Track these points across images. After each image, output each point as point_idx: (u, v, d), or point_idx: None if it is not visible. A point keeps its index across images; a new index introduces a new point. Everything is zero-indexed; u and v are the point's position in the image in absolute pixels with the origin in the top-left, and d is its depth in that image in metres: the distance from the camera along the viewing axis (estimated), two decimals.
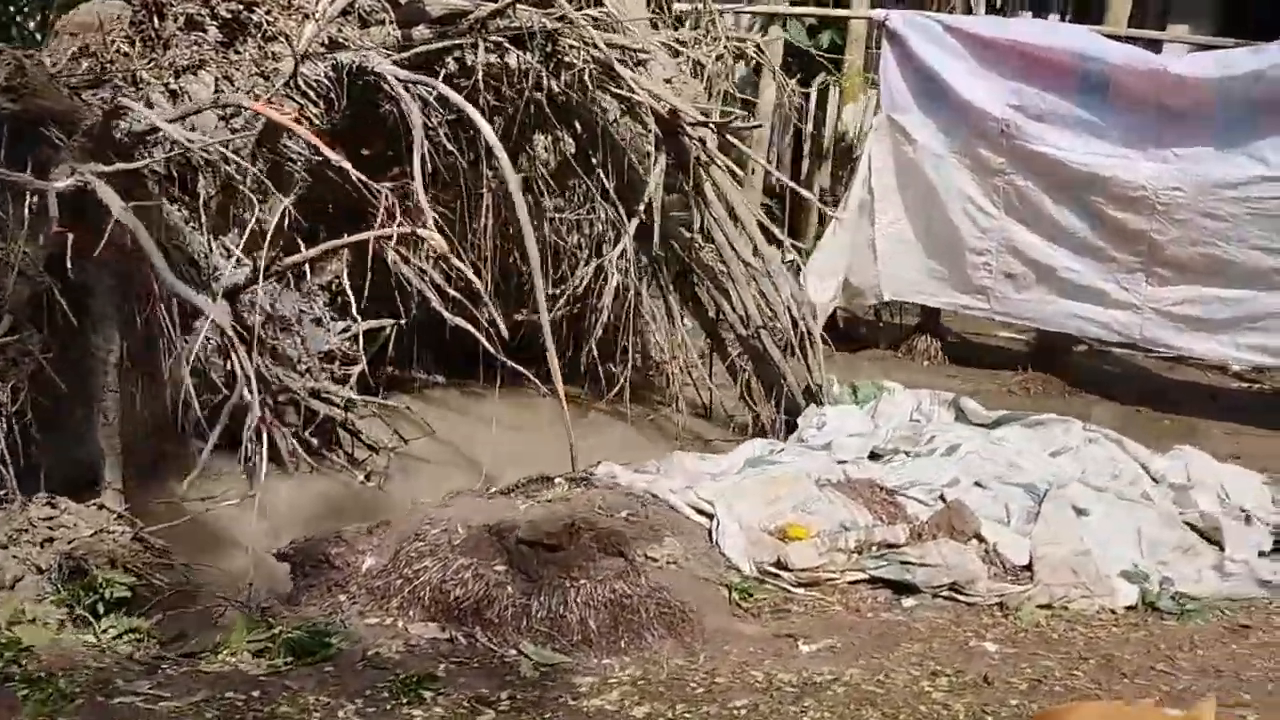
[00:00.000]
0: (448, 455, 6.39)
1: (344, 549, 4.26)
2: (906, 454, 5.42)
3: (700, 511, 4.59)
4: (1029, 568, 4.53)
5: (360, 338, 6.56)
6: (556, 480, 4.69)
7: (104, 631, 3.99)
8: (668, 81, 6.15)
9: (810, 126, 9.93)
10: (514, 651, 3.82)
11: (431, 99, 5.33)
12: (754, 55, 7.16)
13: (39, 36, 7.85)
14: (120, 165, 4.30)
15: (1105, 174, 7.81)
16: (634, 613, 3.90)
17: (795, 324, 6.14)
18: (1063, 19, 12.43)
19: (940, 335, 9.40)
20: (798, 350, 6.14)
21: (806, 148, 10.25)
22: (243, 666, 3.78)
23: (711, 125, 5.77)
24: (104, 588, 4.14)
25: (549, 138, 6.82)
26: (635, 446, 6.75)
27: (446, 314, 6.29)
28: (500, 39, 5.70)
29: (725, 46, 6.62)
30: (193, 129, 5.28)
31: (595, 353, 6.88)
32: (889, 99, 8.46)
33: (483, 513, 4.31)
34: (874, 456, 5.51)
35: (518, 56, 5.77)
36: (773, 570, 4.37)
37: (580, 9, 5.93)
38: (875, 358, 9.33)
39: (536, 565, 3.99)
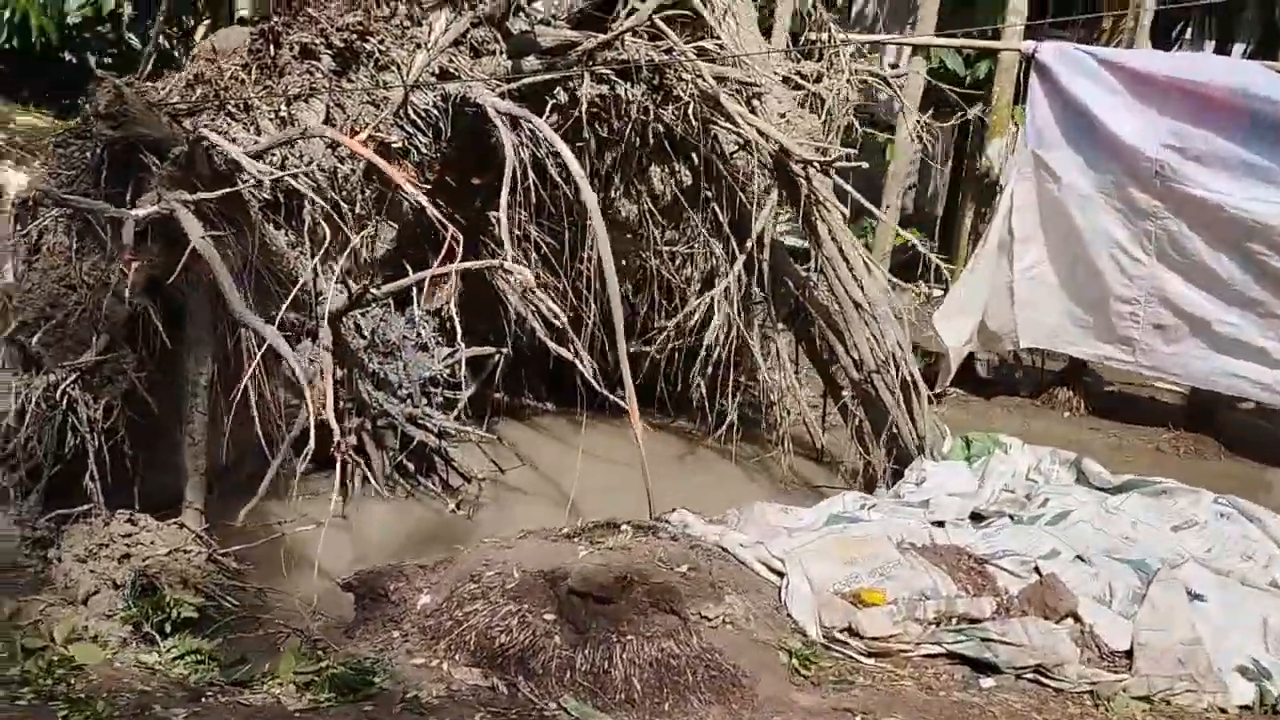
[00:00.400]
0: (544, 487, 6.34)
1: (403, 584, 4.22)
2: (1011, 518, 5.07)
3: (771, 569, 4.37)
4: (1129, 654, 4.15)
5: (463, 364, 6.59)
6: (623, 526, 4.54)
7: (166, 651, 4.05)
8: (782, 116, 5.96)
9: (957, 161, 9.56)
10: (554, 705, 3.70)
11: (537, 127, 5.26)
12: (878, 86, 6.88)
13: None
14: (202, 195, 4.37)
15: (1271, 221, 7.25)
16: (681, 674, 3.73)
17: (898, 370, 5.85)
18: (1246, 53, 11.72)
19: (1085, 385, 8.90)
20: (900, 398, 5.84)
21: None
22: (285, 700, 3.76)
23: (815, 162, 5.54)
24: (172, 607, 4.21)
25: (665, 170, 6.71)
26: (738, 487, 6.60)
27: (550, 344, 6.28)
28: (607, 71, 5.61)
29: (849, 80, 6.38)
30: (300, 156, 5.39)
31: (703, 388, 6.76)
32: (1035, 134, 8.05)
33: (541, 556, 4.20)
34: (976, 518, 5.18)
35: (625, 89, 5.67)
36: (841, 637, 4.12)
37: (692, 41, 5.81)
38: (1012, 405, 8.90)
39: (585, 617, 3.87)
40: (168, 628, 4.16)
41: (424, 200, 4.79)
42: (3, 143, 6.32)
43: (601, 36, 5.52)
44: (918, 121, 7.62)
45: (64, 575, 4.24)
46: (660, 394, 7.08)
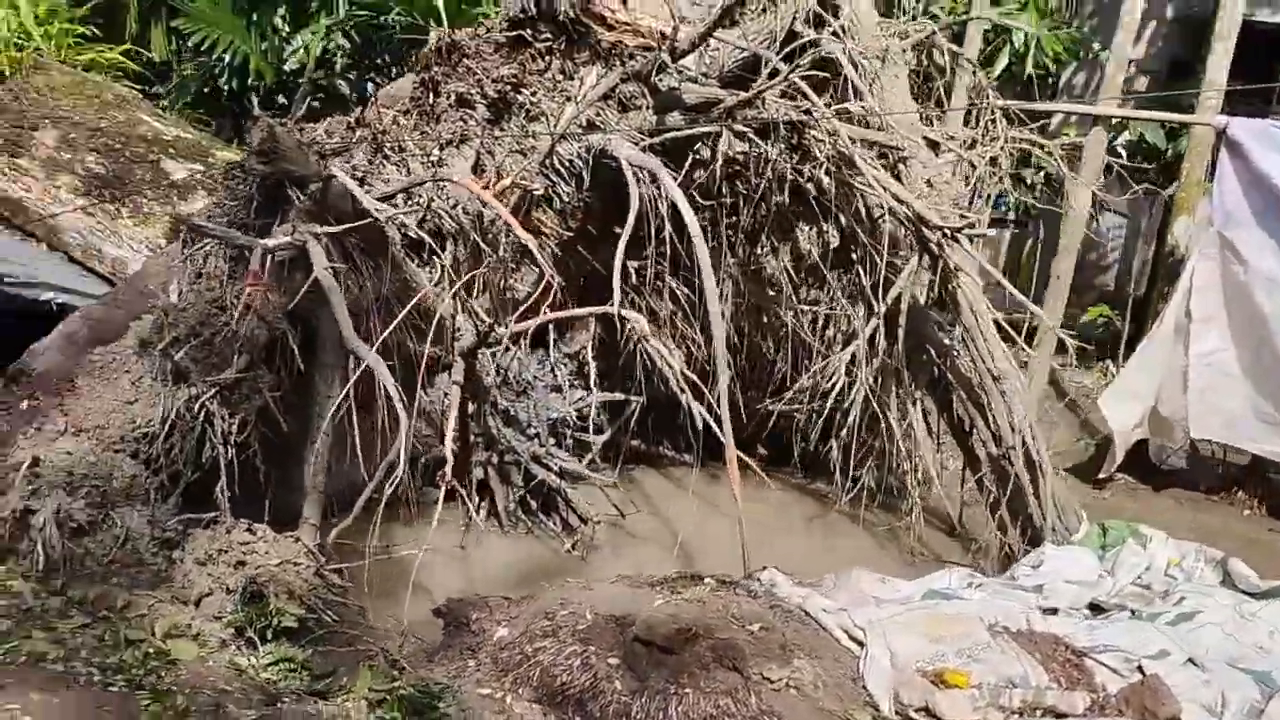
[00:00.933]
0: (662, 536, 6.37)
1: (485, 615, 4.34)
2: (1133, 612, 4.80)
3: (852, 638, 4.28)
4: None
5: (595, 409, 6.74)
6: (706, 579, 4.54)
7: (263, 656, 4.27)
8: (927, 182, 5.88)
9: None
10: None
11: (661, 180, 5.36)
12: (1040, 156, 6.67)
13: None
14: (329, 229, 4.64)
15: None
16: None
17: (1024, 448, 5.63)
18: None
19: (1269, 483, 8.29)
20: (1028, 477, 5.62)
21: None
22: (354, 714, 3.91)
23: (945, 229, 5.43)
24: (275, 615, 4.44)
25: (813, 229, 6.70)
26: (864, 554, 6.46)
27: (682, 395, 6.34)
28: (745, 128, 5.67)
29: (1003, 147, 6.23)
30: (446, 199, 5.67)
31: (837, 452, 6.69)
32: (1221, 213, 7.62)
33: (618, 601, 4.25)
34: (1095, 609, 4.92)
35: (765, 147, 5.72)
36: (916, 717, 3.98)
37: (834, 103, 5.81)
38: (1184, 498, 8.36)
39: (647, 665, 3.88)
40: (269, 634, 4.39)
41: (532, 243, 4.94)
42: (201, 174, 6.83)
43: (742, 95, 5.57)
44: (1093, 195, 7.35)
45: (183, 576, 4.53)
46: (798, 454, 7.07)
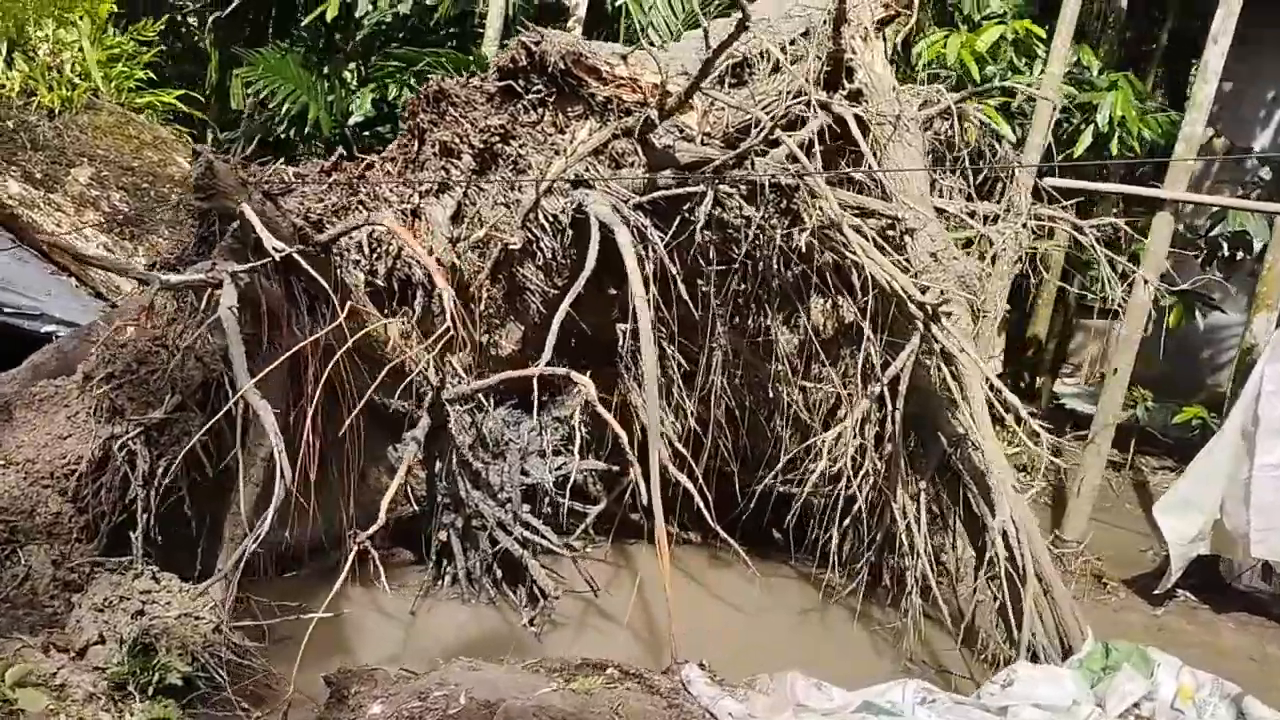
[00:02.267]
0: (638, 619, 5.95)
1: (366, 689, 4.02)
2: None
3: None
4: None
5: (587, 477, 6.43)
6: (609, 669, 4.13)
7: (135, 715, 4.04)
8: (933, 255, 5.43)
9: None
10: None
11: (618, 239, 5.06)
12: (1070, 234, 6.13)
13: None
14: (244, 266, 4.43)
15: None
16: None
17: (1009, 551, 5.08)
18: None
19: None
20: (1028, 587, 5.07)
21: None
22: None
23: (927, 305, 4.97)
24: (161, 671, 4.21)
25: (828, 302, 6.30)
26: (853, 656, 5.96)
27: (672, 468, 6.00)
28: (731, 190, 5.33)
29: (1026, 224, 5.75)
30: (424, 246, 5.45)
31: (836, 540, 6.23)
32: None
33: (501, 686, 3.87)
34: None
35: (752, 209, 5.37)
36: None
37: (838, 166, 5.45)
38: (1251, 624, 7.54)
39: None
40: (149, 691, 4.15)
41: (448, 289, 4.66)
42: None
43: (728, 154, 5.25)
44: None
45: (75, 621, 4.33)
46: (808, 540, 6.61)
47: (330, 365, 4.94)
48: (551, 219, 5.64)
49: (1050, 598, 5.31)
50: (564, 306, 4.79)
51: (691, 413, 6.32)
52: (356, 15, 9.15)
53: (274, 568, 5.55)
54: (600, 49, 5.74)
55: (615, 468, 6.28)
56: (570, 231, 5.63)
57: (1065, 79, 9.83)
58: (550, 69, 5.59)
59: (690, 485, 5.91)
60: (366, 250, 5.36)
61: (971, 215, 5.80)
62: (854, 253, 5.07)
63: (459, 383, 5.45)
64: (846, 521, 6.16)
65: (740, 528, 6.43)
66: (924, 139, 5.91)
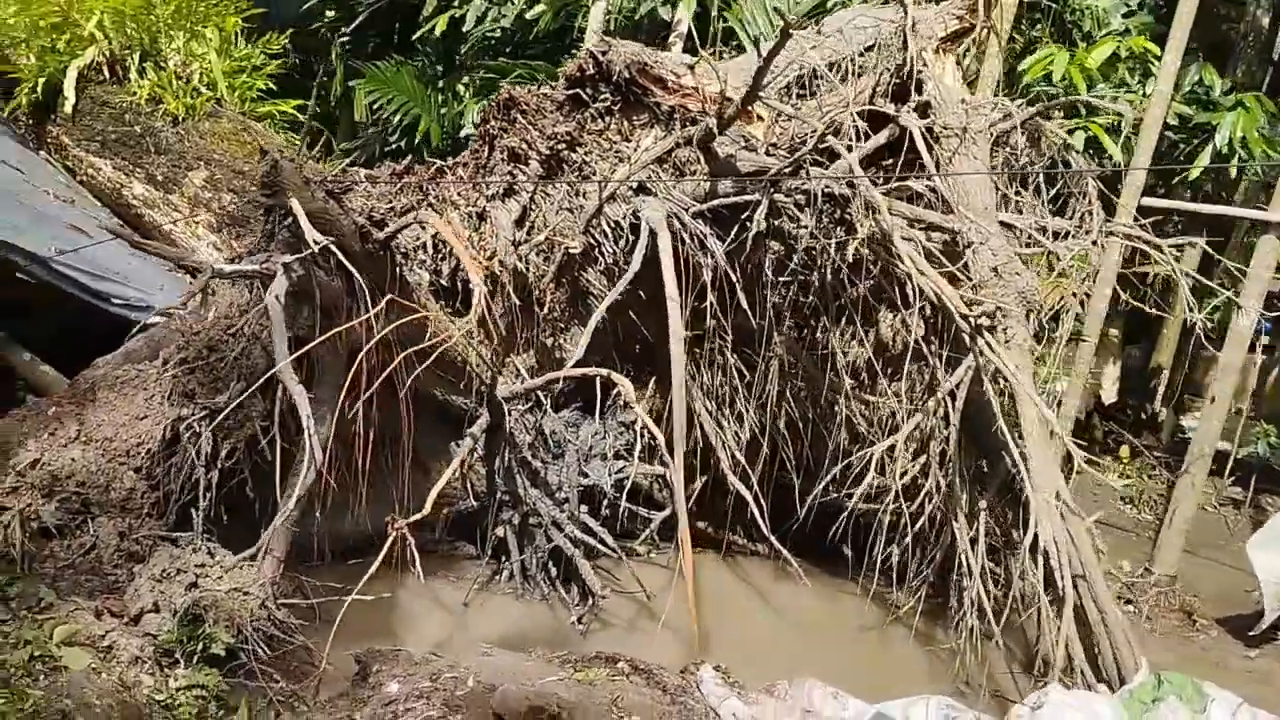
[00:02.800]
0: (683, 624, 5.99)
1: (388, 668, 4.18)
2: None
3: None
4: None
5: (653, 483, 6.52)
6: (620, 663, 4.20)
7: (176, 679, 4.28)
8: (994, 270, 5.35)
9: None
10: None
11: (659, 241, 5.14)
12: (1155, 254, 5.93)
13: None
14: (291, 257, 4.63)
15: None
16: None
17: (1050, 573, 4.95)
18: None
19: None
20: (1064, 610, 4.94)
21: None
22: None
23: (970, 318, 4.89)
24: (206, 640, 4.45)
25: (897, 316, 6.25)
26: (903, 675, 5.88)
27: (731, 475, 6.07)
28: (786, 199, 5.36)
29: (1095, 241, 5.60)
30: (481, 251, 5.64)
31: (897, 558, 6.17)
32: None
33: (511, 672, 3.98)
34: None
35: (810, 218, 5.39)
36: None
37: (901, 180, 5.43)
38: None
39: None
40: (194, 658, 4.39)
41: (481, 286, 4.78)
42: None
43: (783, 163, 5.29)
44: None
45: (134, 589, 4.60)
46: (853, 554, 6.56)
47: (388, 360, 5.15)
48: (613, 225, 5.74)
49: (1105, 625, 5.16)
50: (600, 310, 4.97)
51: (756, 423, 6.33)
52: (465, 30, 9.45)
53: (338, 554, 5.78)
54: (667, 59, 5.85)
55: (666, 469, 6.29)
56: (632, 237, 5.73)
57: (1187, 98, 9.55)
58: (616, 78, 5.72)
59: (746, 492, 5.96)
60: (431, 251, 5.55)
61: (1043, 231, 5.68)
62: (903, 264, 5.03)
63: (516, 381, 5.57)
64: (908, 539, 6.09)
65: (809, 543, 6.43)
66: (991, 153, 5.83)
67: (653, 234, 5.21)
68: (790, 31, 4.55)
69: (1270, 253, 7.07)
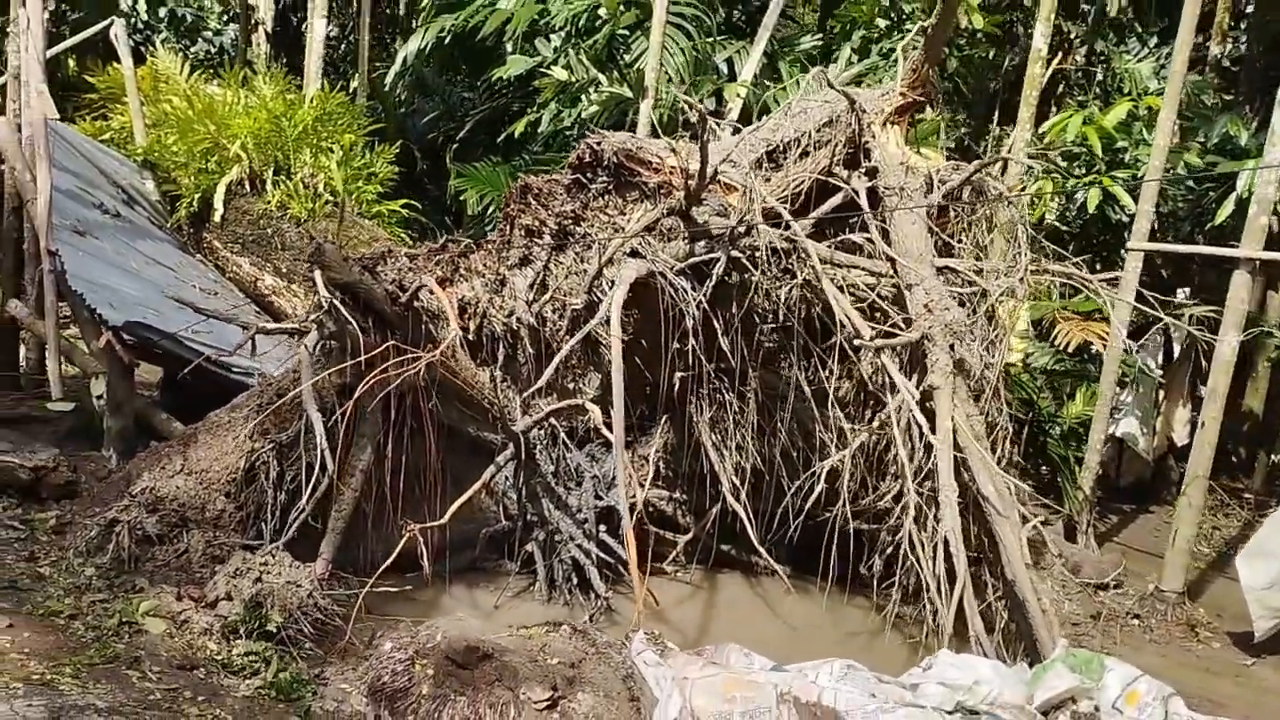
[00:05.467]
0: (692, 632, 6.87)
1: (388, 634, 5.29)
2: (991, 717, 4.83)
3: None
4: None
5: (676, 508, 7.49)
6: (564, 626, 5.20)
7: (236, 645, 5.50)
8: (926, 306, 6.22)
9: None
10: None
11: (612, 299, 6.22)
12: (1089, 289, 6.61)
13: None
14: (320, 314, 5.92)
15: None
16: None
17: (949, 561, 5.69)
18: None
19: None
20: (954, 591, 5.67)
21: None
22: (243, 689, 5.02)
23: (866, 344, 5.77)
24: (262, 620, 5.67)
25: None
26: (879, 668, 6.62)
27: (730, 498, 7.01)
28: (739, 254, 6.38)
29: (1023, 278, 6.37)
30: (501, 309, 6.84)
31: (879, 567, 6.95)
32: None
33: (471, 633, 5.03)
34: (971, 713, 4.97)
35: (755, 272, 6.39)
36: None
37: (838, 237, 6.38)
38: None
39: (444, 676, 4.66)
40: (252, 633, 5.61)
41: (456, 330, 5.95)
42: None
43: (731, 225, 6.32)
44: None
45: (213, 583, 5.88)
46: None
47: (422, 401, 6.38)
48: (611, 284, 6.84)
49: (1025, 613, 5.87)
50: (562, 354, 5.97)
51: (754, 451, 7.25)
52: (539, 130, 10.84)
53: (395, 567, 6.94)
54: (651, 144, 6.97)
55: (681, 498, 7.29)
56: (629, 294, 6.81)
57: (1215, 148, 10.08)
58: (608, 163, 6.87)
59: (742, 512, 6.88)
60: (459, 312, 6.77)
61: (979, 273, 6.50)
62: (825, 296, 5.97)
63: (527, 419, 6.70)
64: (888, 549, 6.86)
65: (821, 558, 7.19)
66: (941, 208, 6.70)
67: (617, 287, 6.28)
68: (707, 119, 5.64)
69: (1241, 289, 7.60)
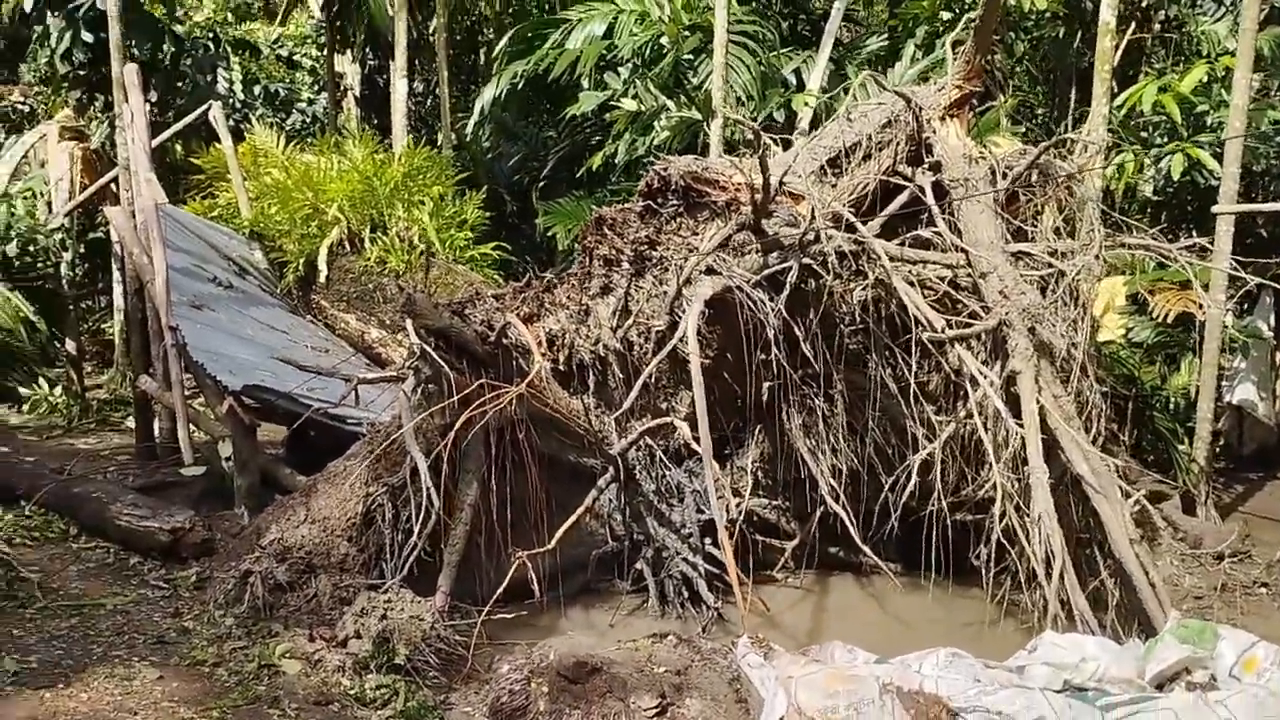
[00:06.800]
0: (802, 635, 7.00)
1: (502, 658, 5.57)
2: (1084, 691, 4.91)
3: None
4: None
5: (780, 515, 7.65)
6: (669, 636, 5.40)
7: (368, 680, 5.83)
8: (1002, 293, 6.29)
9: None
10: None
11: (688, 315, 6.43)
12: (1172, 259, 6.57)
13: None
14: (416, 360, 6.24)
15: None
16: None
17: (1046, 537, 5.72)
18: None
19: None
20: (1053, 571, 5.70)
21: None
22: (372, 718, 5.34)
23: (940, 336, 5.85)
24: (390, 654, 6.00)
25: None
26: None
27: (830, 500, 7.16)
28: (810, 261, 6.53)
29: (1098, 255, 6.38)
30: (587, 337, 7.11)
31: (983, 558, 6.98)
32: None
33: (581, 649, 5.27)
34: (1080, 690, 5.03)
35: (827, 276, 6.54)
36: None
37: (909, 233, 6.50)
38: None
39: (559, 692, 4.91)
40: (382, 667, 5.93)
41: (542, 362, 6.18)
42: None
43: (799, 232, 6.49)
44: None
45: (342, 622, 6.23)
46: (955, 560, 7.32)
47: (520, 433, 6.67)
48: (690, 304, 7.06)
49: (1131, 588, 5.88)
50: (645, 375, 6.19)
51: (849, 452, 7.37)
52: (616, 161, 11.14)
53: (511, 595, 7.23)
54: (715, 164, 7.18)
55: (784, 504, 7.45)
56: (708, 310, 7.01)
57: None
58: (675, 186, 7.10)
59: (843, 513, 7.01)
60: (547, 344, 7.06)
61: (1054, 254, 6.54)
62: (899, 294, 6.09)
63: (622, 441, 6.94)
64: (993, 539, 6.89)
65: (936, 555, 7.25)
66: (1012, 194, 6.76)
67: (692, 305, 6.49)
68: (762, 135, 5.84)
69: None
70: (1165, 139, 9.84)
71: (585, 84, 12.24)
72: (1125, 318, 9.73)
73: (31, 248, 12.66)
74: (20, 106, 18.84)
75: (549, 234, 12.95)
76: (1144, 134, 10.10)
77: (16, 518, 7.59)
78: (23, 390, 12.22)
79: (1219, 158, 9.26)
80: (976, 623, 7.20)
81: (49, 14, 12.85)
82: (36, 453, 10.21)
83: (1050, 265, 6.51)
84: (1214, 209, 7.90)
